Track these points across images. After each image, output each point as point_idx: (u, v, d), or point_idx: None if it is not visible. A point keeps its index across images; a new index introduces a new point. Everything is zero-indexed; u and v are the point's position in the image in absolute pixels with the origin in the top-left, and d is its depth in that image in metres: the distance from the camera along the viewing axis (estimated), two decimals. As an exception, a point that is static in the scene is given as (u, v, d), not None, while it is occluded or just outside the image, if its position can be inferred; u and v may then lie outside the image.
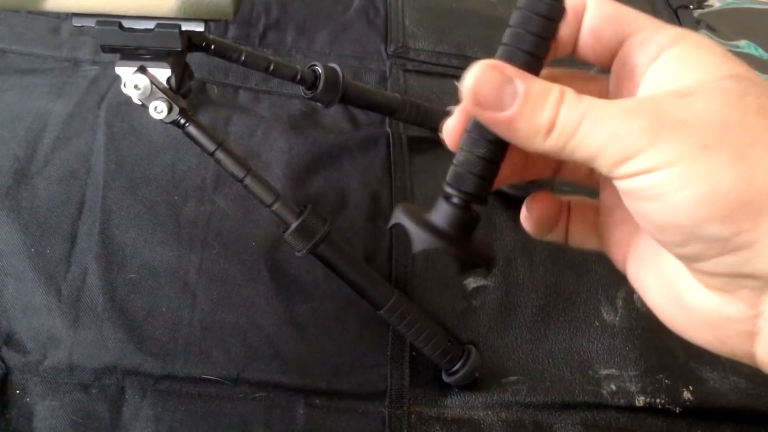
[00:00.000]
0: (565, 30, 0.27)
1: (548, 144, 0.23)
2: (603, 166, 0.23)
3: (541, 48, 0.25)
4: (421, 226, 0.27)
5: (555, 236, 0.32)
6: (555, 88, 0.24)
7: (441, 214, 0.27)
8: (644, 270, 0.28)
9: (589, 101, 0.23)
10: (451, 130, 0.28)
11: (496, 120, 0.24)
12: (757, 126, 0.21)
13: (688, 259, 0.24)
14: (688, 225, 0.22)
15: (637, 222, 0.24)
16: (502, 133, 0.24)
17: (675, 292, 0.26)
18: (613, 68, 0.27)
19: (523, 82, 0.24)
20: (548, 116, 0.23)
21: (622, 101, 0.23)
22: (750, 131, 0.21)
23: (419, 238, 0.26)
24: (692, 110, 0.21)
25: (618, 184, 0.23)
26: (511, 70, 0.24)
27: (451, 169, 0.27)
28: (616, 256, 0.30)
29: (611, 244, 0.30)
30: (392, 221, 0.28)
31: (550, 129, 0.23)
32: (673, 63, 0.24)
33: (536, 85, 0.24)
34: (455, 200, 0.27)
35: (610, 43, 0.26)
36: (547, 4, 0.25)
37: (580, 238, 0.32)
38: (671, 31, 0.25)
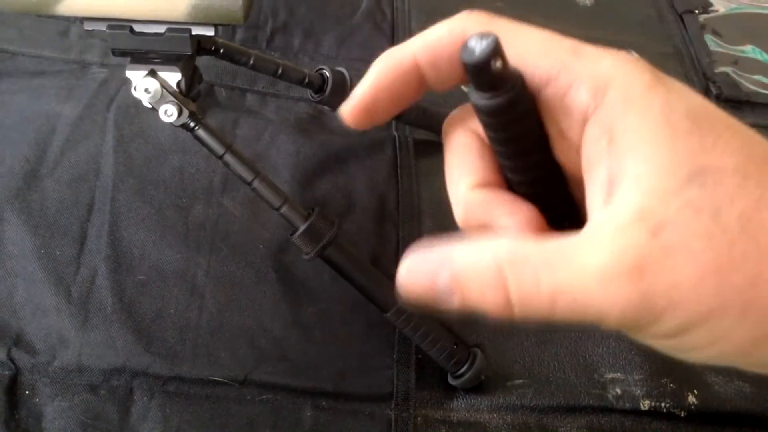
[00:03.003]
0: (445, 66, 0.23)
1: (523, 317, 0.20)
2: (613, 328, 0.20)
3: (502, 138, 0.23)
4: None
5: None
6: (486, 261, 0.20)
7: None
8: None
9: (540, 257, 0.20)
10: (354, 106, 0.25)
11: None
12: (751, 253, 0.18)
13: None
14: (742, 364, 0.20)
15: None
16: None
17: None
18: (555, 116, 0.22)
19: (449, 268, 0.21)
20: (497, 297, 0.20)
21: (590, 255, 0.19)
22: (746, 267, 0.18)
23: None
24: (676, 261, 0.18)
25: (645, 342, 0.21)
26: (434, 253, 0.21)
27: None
28: None
29: None
30: None
31: (510, 306, 0.20)
32: (614, 145, 0.20)
33: (464, 263, 0.20)
34: None
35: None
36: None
37: None
38: (607, 72, 0.20)
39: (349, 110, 0.25)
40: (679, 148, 0.19)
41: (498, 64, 0.20)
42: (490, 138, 0.23)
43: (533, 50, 0.22)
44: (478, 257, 0.20)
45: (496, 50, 0.20)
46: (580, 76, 0.21)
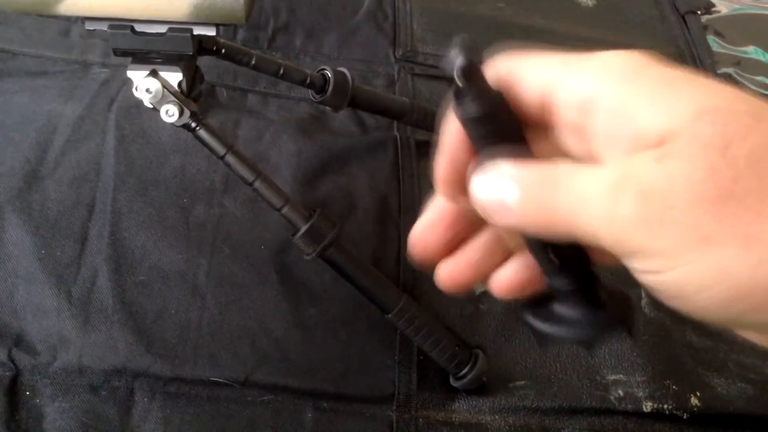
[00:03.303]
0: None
1: (560, 228, 0.21)
2: (612, 252, 0.20)
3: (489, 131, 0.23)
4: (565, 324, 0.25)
5: None
6: (550, 169, 0.21)
7: (565, 303, 0.26)
8: None
9: (565, 172, 0.21)
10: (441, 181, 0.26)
11: (504, 217, 0.22)
12: (754, 190, 0.18)
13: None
14: (728, 320, 0.20)
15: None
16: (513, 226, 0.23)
17: None
18: (560, 120, 0.23)
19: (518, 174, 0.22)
20: (552, 201, 0.21)
21: (600, 171, 0.20)
22: (748, 201, 0.18)
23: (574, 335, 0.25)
24: (676, 186, 0.18)
25: (638, 279, 0.21)
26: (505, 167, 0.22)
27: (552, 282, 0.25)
28: None
29: None
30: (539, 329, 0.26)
31: (557, 213, 0.21)
32: (608, 114, 0.21)
33: (530, 169, 0.22)
34: (572, 293, 0.25)
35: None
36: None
37: None
38: (596, 67, 0.21)
39: (439, 181, 0.26)
40: (687, 95, 0.19)
41: (461, 78, 0.22)
42: (476, 151, 0.24)
43: (547, 64, 0.23)
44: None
45: (466, 64, 0.21)
46: (583, 69, 0.22)
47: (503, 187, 0.22)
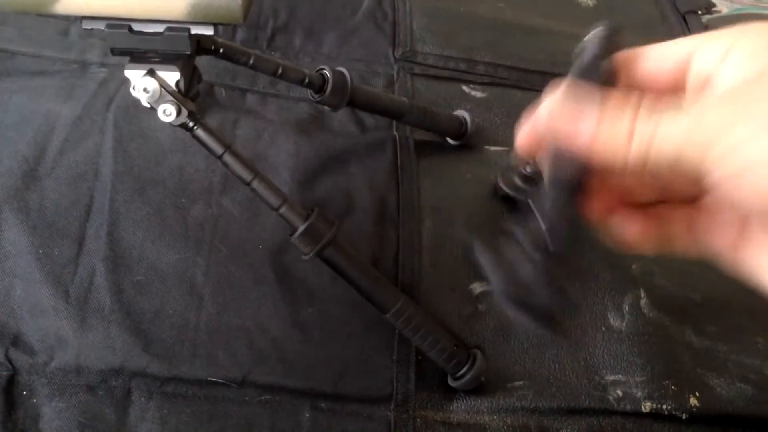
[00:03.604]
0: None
1: (632, 155, 0.23)
2: (689, 159, 0.22)
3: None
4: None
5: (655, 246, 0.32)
6: (630, 101, 0.24)
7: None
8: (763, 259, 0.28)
9: (664, 108, 0.23)
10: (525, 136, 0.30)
11: (578, 140, 0.25)
12: None
13: None
14: None
15: (748, 213, 0.25)
16: (585, 152, 0.25)
17: None
18: (688, 86, 0.27)
19: (598, 98, 0.25)
20: (626, 127, 0.24)
21: (695, 105, 0.23)
22: None
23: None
24: (763, 88, 0.22)
25: (711, 178, 0.23)
26: (586, 88, 0.25)
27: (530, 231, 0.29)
28: (725, 256, 0.29)
29: (719, 244, 0.29)
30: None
31: (630, 138, 0.23)
32: (742, 54, 0.24)
33: (611, 99, 0.24)
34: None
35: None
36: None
37: (685, 244, 0.31)
38: (735, 29, 0.25)
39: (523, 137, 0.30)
40: None
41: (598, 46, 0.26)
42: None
43: (684, 40, 0.27)
44: (623, 97, 0.24)
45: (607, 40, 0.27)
46: (724, 33, 0.26)
47: (584, 109, 0.25)
